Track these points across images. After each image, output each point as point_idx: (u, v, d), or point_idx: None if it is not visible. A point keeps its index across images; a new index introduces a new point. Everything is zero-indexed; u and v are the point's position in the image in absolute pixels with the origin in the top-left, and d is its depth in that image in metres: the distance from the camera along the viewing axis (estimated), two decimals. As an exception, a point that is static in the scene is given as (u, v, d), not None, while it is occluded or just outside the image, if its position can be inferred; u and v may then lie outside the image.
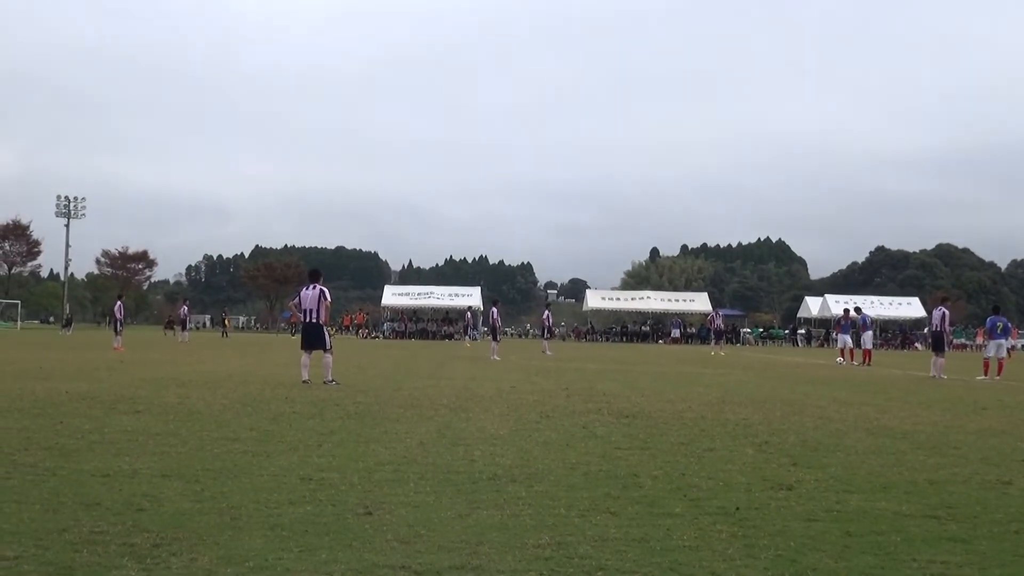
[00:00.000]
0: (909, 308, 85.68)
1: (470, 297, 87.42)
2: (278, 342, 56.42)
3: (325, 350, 18.78)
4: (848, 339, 38.24)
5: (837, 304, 76.12)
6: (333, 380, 18.34)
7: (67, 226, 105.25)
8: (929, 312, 49.85)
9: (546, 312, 48.06)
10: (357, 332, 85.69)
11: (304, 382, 18.19)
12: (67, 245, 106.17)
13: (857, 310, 39.77)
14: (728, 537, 6.04)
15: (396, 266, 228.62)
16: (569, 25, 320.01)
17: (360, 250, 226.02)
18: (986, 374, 26.82)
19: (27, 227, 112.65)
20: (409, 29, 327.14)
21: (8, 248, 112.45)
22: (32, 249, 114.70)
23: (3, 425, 10.91)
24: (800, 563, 5.43)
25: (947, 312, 28.54)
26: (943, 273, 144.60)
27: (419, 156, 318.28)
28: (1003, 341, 27.54)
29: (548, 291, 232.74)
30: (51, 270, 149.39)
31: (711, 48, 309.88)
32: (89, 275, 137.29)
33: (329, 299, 19.13)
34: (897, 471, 8.88)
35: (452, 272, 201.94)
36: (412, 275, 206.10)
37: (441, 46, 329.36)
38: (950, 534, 6.28)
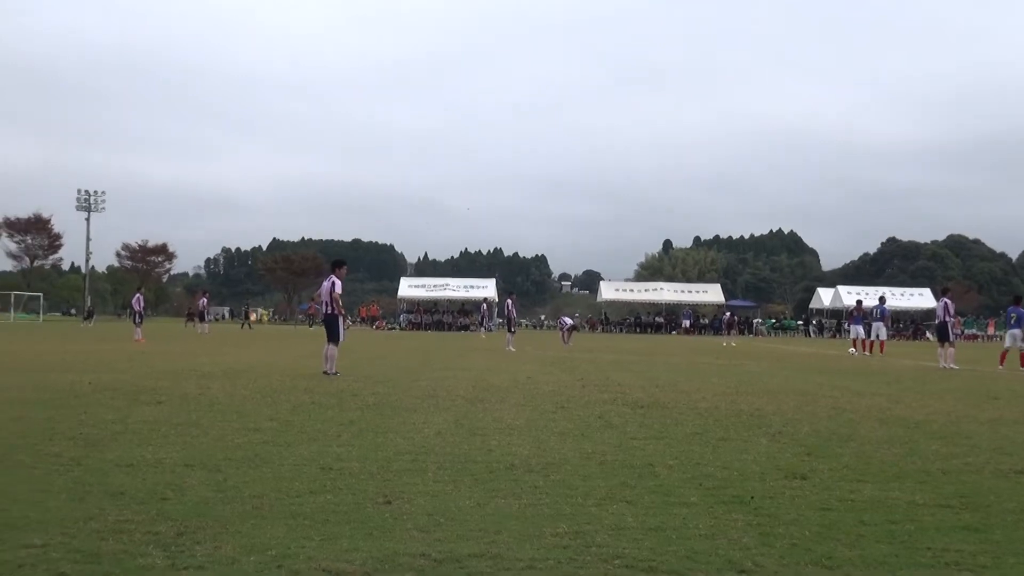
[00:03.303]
0: (921, 299, 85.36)
1: (485, 289, 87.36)
2: (296, 334, 56.50)
3: (334, 341, 18.76)
4: (860, 330, 38.15)
5: (849, 295, 76.04)
6: (336, 372, 18.35)
7: (88, 220, 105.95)
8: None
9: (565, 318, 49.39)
10: (372, 324, 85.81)
11: (324, 372, 18.24)
12: (88, 238, 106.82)
13: (882, 299, 39.65)
14: (743, 526, 6.03)
15: (412, 258, 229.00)
16: (581, 22, 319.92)
17: (376, 243, 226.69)
18: (1001, 364, 26.73)
19: (48, 221, 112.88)
20: (423, 27, 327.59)
21: (30, 241, 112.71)
22: (53, 242, 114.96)
23: (28, 415, 10.97)
24: (815, 551, 5.43)
25: (949, 303, 28.53)
26: (954, 264, 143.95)
27: (434, 151, 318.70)
28: (1017, 331, 27.41)
29: (562, 283, 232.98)
30: (72, 263, 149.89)
31: (722, 43, 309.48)
32: (110, 268, 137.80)
33: (337, 289, 19.10)
34: (910, 461, 8.85)
35: (467, 264, 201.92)
36: (428, 267, 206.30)
37: (455, 44, 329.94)
38: (964, 523, 6.26)
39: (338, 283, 19.03)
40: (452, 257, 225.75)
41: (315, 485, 7.04)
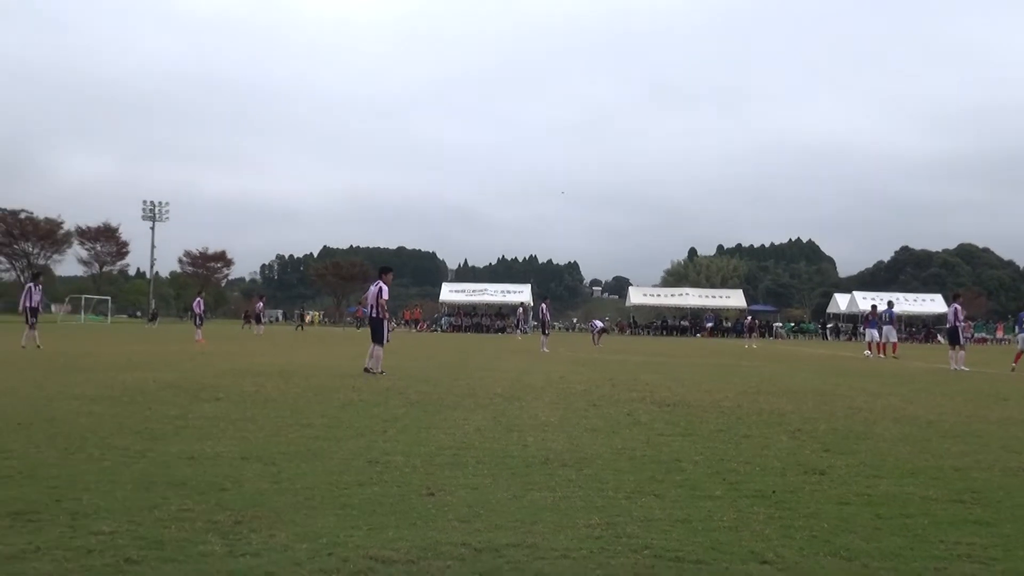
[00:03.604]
0: (932, 304, 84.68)
1: (521, 294, 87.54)
2: (344, 336, 56.70)
3: (379, 343, 18.76)
4: (875, 333, 37.82)
5: (864, 300, 75.33)
6: (382, 371, 18.35)
7: (152, 228, 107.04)
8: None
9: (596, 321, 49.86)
10: (415, 326, 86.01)
11: (365, 370, 18.32)
12: (152, 246, 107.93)
13: (890, 304, 39.25)
14: (765, 519, 5.99)
15: (452, 265, 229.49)
16: (615, 42, 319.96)
17: (419, 250, 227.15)
18: (1016, 362, 26.52)
19: (116, 229, 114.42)
20: (467, 47, 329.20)
21: (100, 249, 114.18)
22: (121, 250, 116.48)
23: (97, 411, 11.06)
24: (833, 543, 5.38)
25: (959, 308, 28.27)
26: (964, 271, 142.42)
27: (473, 163, 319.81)
28: None
29: (593, 288, 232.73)
30: (138, 269, 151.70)
31: (742, 61, 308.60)
32: (172, 273, 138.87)
33: (385, 296, 19.06)
34: (924, 458, 8.76)
35: (504, 270, 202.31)
36: (467, 273, 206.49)
37: (496, 62, 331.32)
38: (975, 517, 6.19)
39: (385, 288, 19.00)
40: (490, 264, 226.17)
41: (363, 478, 7.05)
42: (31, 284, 29.86)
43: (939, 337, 72.18)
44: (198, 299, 42.50)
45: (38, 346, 26.90)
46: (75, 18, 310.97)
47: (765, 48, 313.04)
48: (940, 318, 77.18)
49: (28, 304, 28.79)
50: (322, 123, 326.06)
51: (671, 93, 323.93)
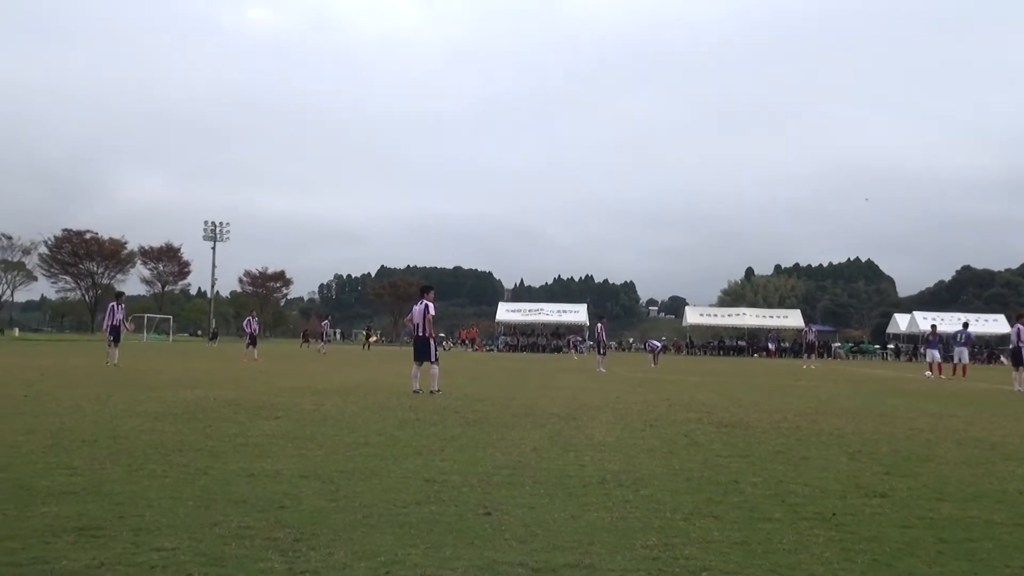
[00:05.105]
0: (995, 324, 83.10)
1: (577, 313, 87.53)
2: (401, 354, 56.95)
3: (432, 361, 18.66)
4: (936, 354, 37.21)
5: (925, 320, 74.35)
6: (439, 390, 18.30)
7: (213, 248, 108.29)
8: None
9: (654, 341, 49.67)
10: (472, 345, 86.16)
11: (415, 392, 18.23)
12: (213, 266, 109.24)
13: (965, 325, 38.57)
14: (825, 541, 5.91)
15: (509, 284, 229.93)
16: (669, 63, 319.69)
17: (476, 270, 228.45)
18: None
19: (178, 250, 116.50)
20: (523, 70, 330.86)
21: (162, 268, 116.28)
22: (183, 269, 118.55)
23: (159, 428, 11.20)
24: (896, 568, 5.29)
25: (1023, 328, 27.65)
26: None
27: (529, 184, 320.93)
28: None
29: (649, 308, 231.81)
30: (199, 288, 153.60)
31: (798, 81, 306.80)
32: (232, 293, 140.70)
33: (432, 312, 18.87)
34: (987, 481, 8.59)
35: (560, 290, 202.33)
36: (523, 293, 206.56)
37: (552, 84, 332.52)
38: (1042, 542, 6.06)
39: (431, 306, 18.94)
40: (546, 283, 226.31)
41: (420, 496, 7.06)
42: (113, 304, 30.49)
43: (1002, 358, 70.81)
44: (248, 318, 42.90)
45: (116, 364, 27.34)
46: (137, 44, 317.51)
47: (821, 68, 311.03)
48: (1003, 338, 75.70)
49: (111, 323, 29.51)
50: (379, 144, 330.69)
51: (733, 114, 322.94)
